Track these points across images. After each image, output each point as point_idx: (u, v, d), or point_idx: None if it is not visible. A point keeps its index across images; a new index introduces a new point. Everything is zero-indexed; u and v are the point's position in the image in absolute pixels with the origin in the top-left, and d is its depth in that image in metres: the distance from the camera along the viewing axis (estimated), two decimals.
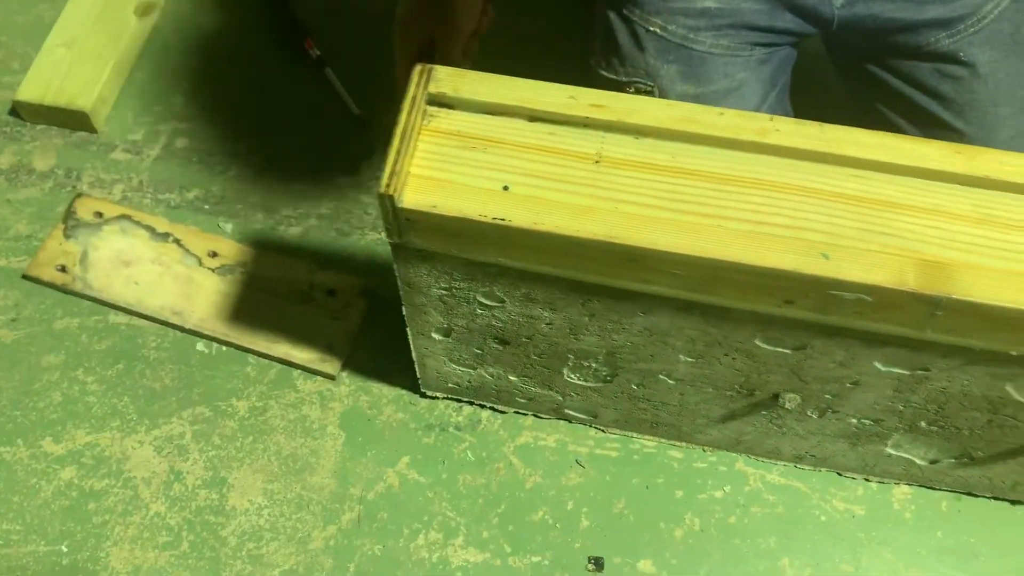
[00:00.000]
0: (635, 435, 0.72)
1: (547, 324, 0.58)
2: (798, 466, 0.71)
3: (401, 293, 0.58)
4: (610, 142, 0.50)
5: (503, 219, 0.47)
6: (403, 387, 0.74)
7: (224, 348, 0.76)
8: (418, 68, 0.51)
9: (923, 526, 0.70)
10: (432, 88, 0.50)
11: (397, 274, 0.56)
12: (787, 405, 0.60)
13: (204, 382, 0.74)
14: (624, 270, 0.49)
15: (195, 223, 0.81)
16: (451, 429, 0.73)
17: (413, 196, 0.48)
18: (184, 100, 0.89)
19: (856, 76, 0.77)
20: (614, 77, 0.73)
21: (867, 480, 0.71)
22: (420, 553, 0.68)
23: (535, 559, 0.68)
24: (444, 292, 0.56)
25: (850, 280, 0.46)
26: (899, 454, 0.66)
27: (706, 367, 0.59)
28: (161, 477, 0.71)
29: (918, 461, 0.66)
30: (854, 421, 0.62)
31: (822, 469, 0.71)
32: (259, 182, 0.84)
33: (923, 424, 0.61)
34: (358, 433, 0.72)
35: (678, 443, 0.72)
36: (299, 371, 0.75)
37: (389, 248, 0.53)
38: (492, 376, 0.67)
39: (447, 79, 0.51)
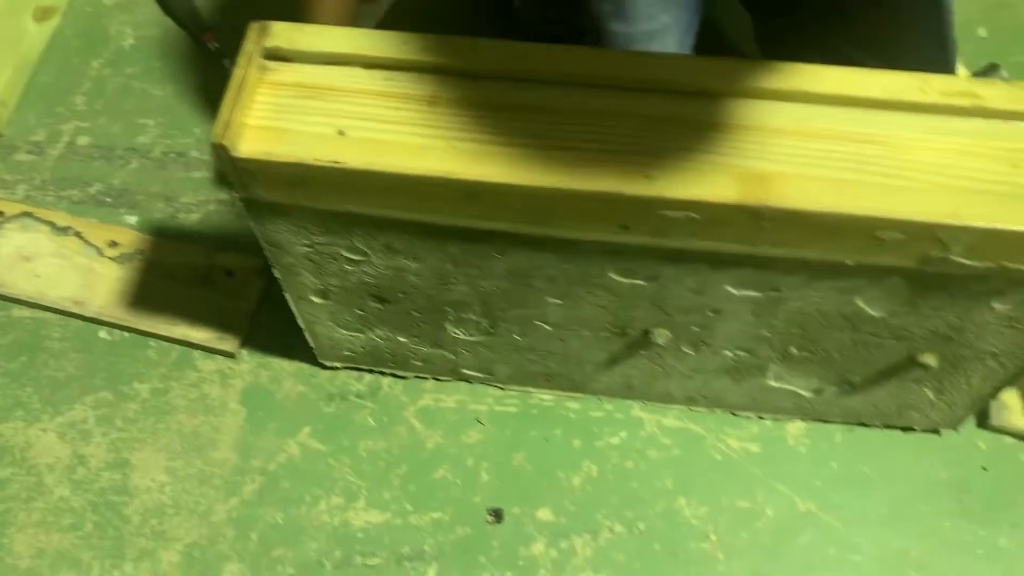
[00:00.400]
0: (532, 390, 0.73)
1: (415, 275, 0.59)
2: (692, 409, 0.73)
3: (267, 255, 0.59)
4: (445, 84, 0.51)
5: (338, 161, 0.49)
6: (303, 361, 0.75)
7: (126, 334, 0.77)
8: (254, 25, 0.52)
9: (817, 459, 0.71)
10: (268, 43, 0.52)
11: (258, 235, 0.57)
12: (659, 341, 0.61)
13: (107, 368, 0.75)
14: (466, 207, 0.51)
15: (97, 216, 0.82)
16: (352, 397, 0.74)
17: (248, 146, 0.49)
18: (86, 99, 0.90)
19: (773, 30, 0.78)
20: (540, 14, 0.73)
21: (761, 418, 0.72)
22: (322, 518, 0.69)
23: (436, 515, 0.69)
24: (308, 249, 0.58)
25: (674, 197, 0.47)
26: (782, 386, 0.67)
27: (575, 308, 0.60)
28: (64, 462, 0.71)
29: (803, 393, 0.68)
30: (729, 354, 0.63)
31: (716, 410, 0.72)
32: (160, 173, 0.85)
33: (794, 351, 0.62)
34: (259, 408, 0.73)
35: (574, 394, 0.73)
36: (199, 351, 0.76)
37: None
38: (382, 339, 0.68)
39: (283, 33, 0.52)
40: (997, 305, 0.54)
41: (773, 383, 0.67)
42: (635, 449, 0.71)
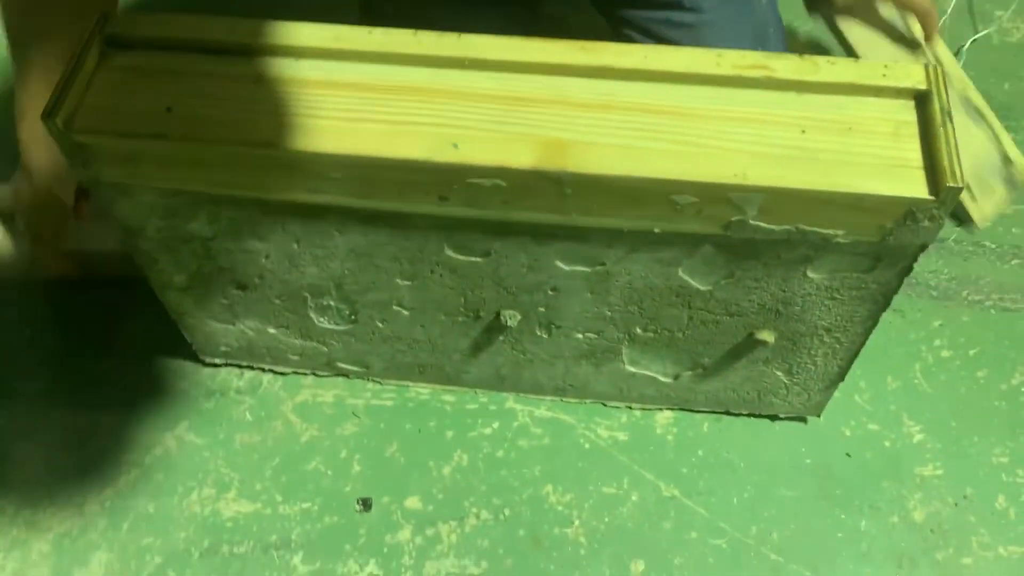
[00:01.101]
0: (409, 384, 0.75)
1: (265, 258, 0.61)
2: (564, 399, 0.74)
3: (123, 240, 0.61)
4: (270, 65, 0.54)
5: (164, 135, 0.51)
6: (185, 358, 0.77)
7: (13, 337, 0.78)
8: (100, 15, 0.55)
9: (685, 446, 0.72)
10: (109, 30, 0.55)
11: (112, 222, 0.59)
12: (511, 323, 0.63)
13: None
14: (292, 179, 0.53)
15: None
16: (232, 393, 0.75)
17: (82, 122, 0.52)
18: None
19: (612, 25, 0.82)
20: None
21: (631, 408, 0.74)
22: (193, 508, 0.70)
23: (305, 505, 0.70)
24: (159, 233, 0.60)
25: (478, 164, 0.50)
26: (640, 371, 0.69)
27: (425, 290, 0.62)
28: None
29: (661, 378, 0.69)
30: (580, 336, 0.65)
31: (587, 401, 0.74)
32: None
33: (639, 331, 0.64)
34: (139, 404, 0.75)
35: (450, 387, 0.75)
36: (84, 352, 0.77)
37: None
38: (253, 331, 0.70)
39: (123, 21, 0.55)
40: (812, 274, 0.56)
41: (630, 368, 0.68)
42: (506, 439, 0.73)
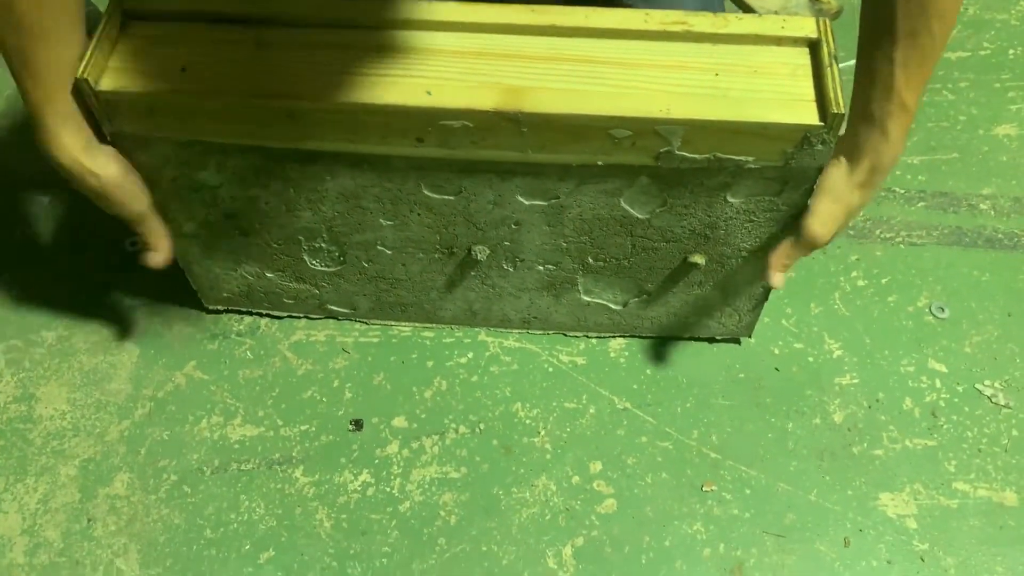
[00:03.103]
0: (393, 323, 0.85)
1: (265, 203, 0.70)
2: (529, 331, 0.84)
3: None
4: (268, 31, 0.63)
5: (179, 90, 0.61)
6: (191, 307, 0.86)
7: (35, 292, 0.87)
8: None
9: (635, 367, 0.82)
10: (126, 5, 0.64)
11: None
12: (480, 257, 0.73)
13: (17, 321, 0.85)
14: (290, 127, 0.63)
15: (13, 196, 0.93)
16: (233, 336, 0.85)
17: (108, 82, 0.61)
18: (4, 102, 1.01)
19: None
20: None
21: (588, 337, 0.84)
22: (203, 434, 0.79)
23: (303, 427, 0.79)
24: (173, 183, 0.69)
25: (449, 107, 0.60)
26: (593, 300, 0.79)
27: (405, 228, 0.72)
28: None
29: (612, 306, 0.79)
30: (541, 268, 0.75)
31: (549, 332, 0.84)
32: None
33: (591, 260, 0.74)
34: (151, 347, 0.84)
35: (428, 324, 0.84)
36: (101, 303, 0.86)
37: None
38: (252, 276, 0.79)
39: None
40: (731, 199, 0.66)
41: (585, 297, 0.78)
42: (480, 366, 0.82)
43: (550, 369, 0.82)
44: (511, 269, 0.76)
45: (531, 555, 0.72)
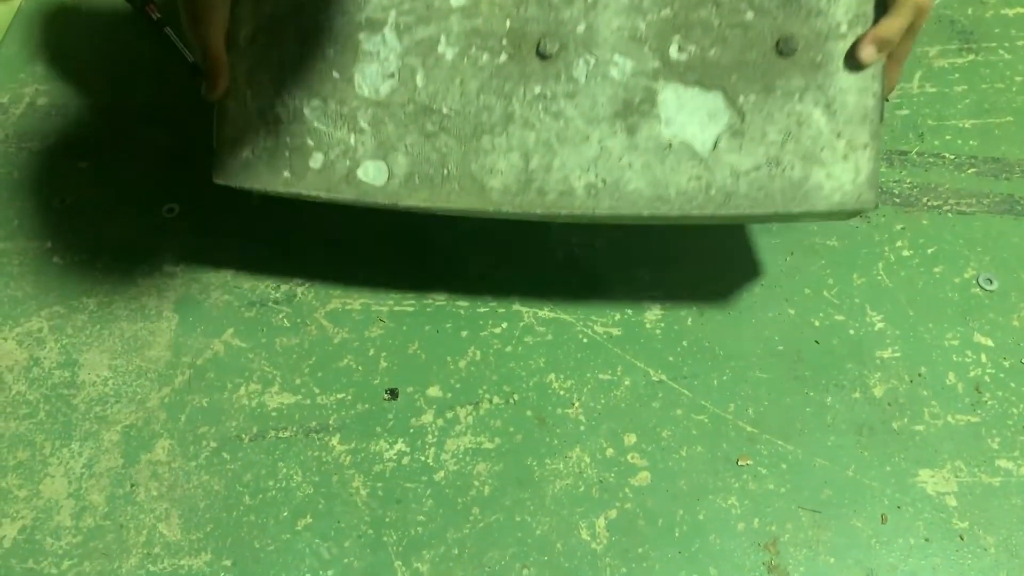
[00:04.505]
0: (429, 204, 0.73)
1: None
2: (595, 212, 0.71)
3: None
4: None
5: None
6: (229, 274, 0.86)
7: (76, 259, 0.88)
8: None
9: (671, 338, 0.82)
10: None
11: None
12: (549, 50, 0.68)
13: (59, 288, 0.87)
14: None
15: (54, 164, 0.94)
16: (270, 304, 0.85)
17: None
18: (45, 67, 1.02)
19: None
20: None
21: (624, 309, 0.83)
22: (241, 401, 0.80)
23: (340, 396, 0.80)
24: None
25: None
26: (677, 138, 0.69)
27: (475, 13, 0.68)
28: (22, 364, 0.82)
29: (698, 148, 0.69)
30: (616, 71, 0.68)
31: (620, 212, 0.70)
32: (110, 125, 0.97)
33: (673, 53, 0.67)
34: (189, 314, 0.85)
35: (472, 208, 0.73)
36: (139, 270, 0.87)
37: None
38: (286, 117, 0.72)
39: None
40: None
41: (666, 133, 0.69)
42: (514, 336, 0.82)
43: (584, 340, 0.82)
44: (582, 77, 0.69)
45: (564, 526, 0.73)
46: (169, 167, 0.93)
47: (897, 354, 0.80)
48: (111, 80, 1.00)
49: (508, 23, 0.68)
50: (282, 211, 0.87)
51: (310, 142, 0.73)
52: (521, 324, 0.83)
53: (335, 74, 0.72)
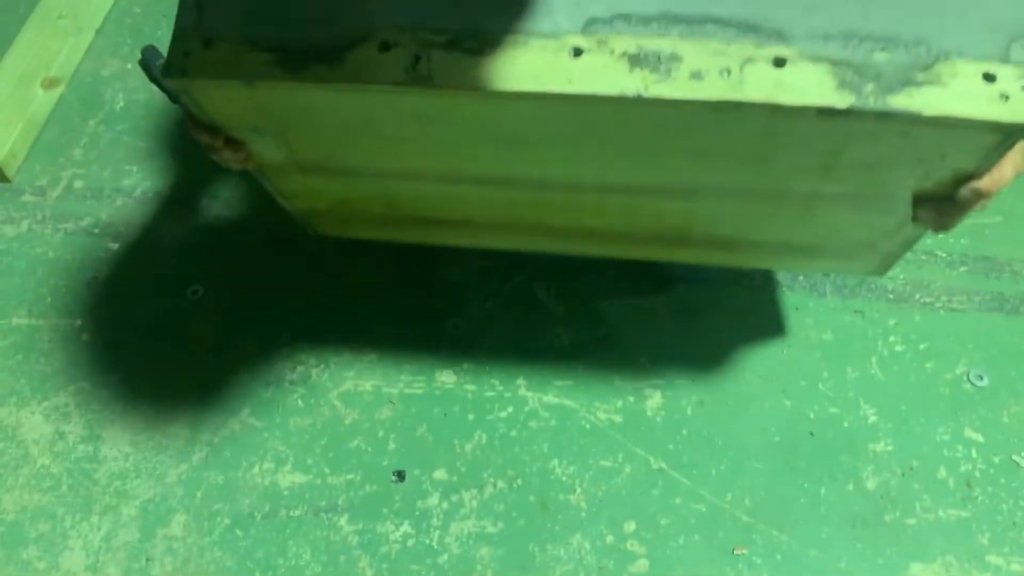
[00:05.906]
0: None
1: None
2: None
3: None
4: None
5: None
6: (248, 354, 0.90)
7: (104, 337, 0.92)
8: None
9: (671, 427, 0.85)
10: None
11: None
12: None
13: (86, 364, 0.91)
14: None
15: (86, 245, 0.99)
16: (286, 384, 0.89)
17: None
18: (82, 151, 1.08)
19: None
20: None
21: (626, 395, 0.86)
22: (255, 479, 0.83)
23: (349, 476, 0.83)
24: None
25: None
26: None
27: None
28: (47, 437, 0.86)
29: None
30: None
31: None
32: (141, 208, 1.02)
33: None
34: (208, 392, 0.88)
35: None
36: (167, 350, 0.91)
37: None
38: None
39: None
40: None
41: None
42: (519, 421, 0.85)
43: (587, 426, 0.85)
44: None
45: None
46: (195, 251, 0.98)
47: (890, 447, 0.82)
48: (145, 164, 1.06)
49: None
50: (301, 295, 0.92)
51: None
52: (526, 408, 0.86)
53: None
